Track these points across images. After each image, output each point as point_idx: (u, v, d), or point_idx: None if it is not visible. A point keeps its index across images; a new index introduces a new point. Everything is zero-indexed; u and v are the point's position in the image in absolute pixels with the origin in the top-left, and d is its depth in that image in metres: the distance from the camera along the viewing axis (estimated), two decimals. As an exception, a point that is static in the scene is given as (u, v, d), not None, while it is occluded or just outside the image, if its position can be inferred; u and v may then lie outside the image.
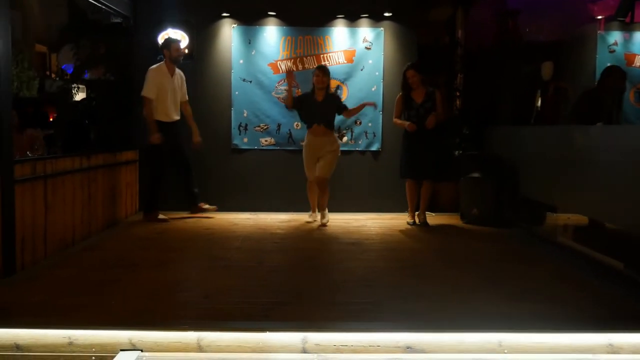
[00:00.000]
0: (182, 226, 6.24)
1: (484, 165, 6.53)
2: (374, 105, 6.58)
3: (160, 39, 6.78)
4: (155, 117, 6.16)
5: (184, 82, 6.51)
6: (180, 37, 6.74)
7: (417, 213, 6.46)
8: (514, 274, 4.44)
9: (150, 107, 6.13)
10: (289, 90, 6.26)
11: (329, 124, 6.22)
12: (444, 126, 6.38)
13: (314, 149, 6.20)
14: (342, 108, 6.33)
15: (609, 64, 6.79)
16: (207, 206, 6.66)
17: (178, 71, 6.39)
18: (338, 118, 6.79)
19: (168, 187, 6.52)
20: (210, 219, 6.61)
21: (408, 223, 6.45)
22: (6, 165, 4.11)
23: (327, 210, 6.38)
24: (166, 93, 6.20)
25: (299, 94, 6.75)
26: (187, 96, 6.54)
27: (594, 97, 5.97)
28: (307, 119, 6.26)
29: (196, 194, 6.62)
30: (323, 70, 6.13)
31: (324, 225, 6.27)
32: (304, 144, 6.35)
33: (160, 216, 6.38)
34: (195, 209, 6.65)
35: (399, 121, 6.33)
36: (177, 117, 6.40)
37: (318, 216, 6.45)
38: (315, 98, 6.16)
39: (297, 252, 5.17)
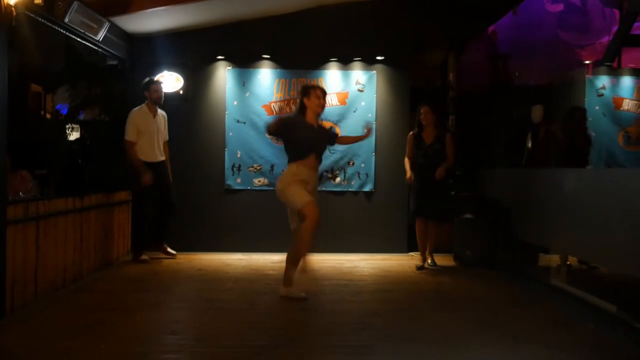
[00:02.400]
0: (174, 267, 6.20)
1: (477, 207, 6.57)
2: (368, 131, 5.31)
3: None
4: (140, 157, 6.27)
5: (166, 122, 6.60)
6: (175, 79, 6.83)
7: (413, 256, 6.50)
8: (508, 317, 4.42)
9: (133, 150, 6.22)
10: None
11: (321, 159, 5.02)
12: (451, 169, 6.42)
13: (306, 179, 4.76)
14: (333, 138, 5.19)
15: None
16: (170, 250, 6.64)
17: (161, 111, 6.49)
18: (332, 158, 6.91)
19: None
20: (202, 260, 6.57)
21: (417, 267, 6.25)
22: (-1, 207, 4.10)
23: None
24: (149, 134, 6.30)
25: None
26: (167, 136, 6.63)
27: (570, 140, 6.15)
28: (300, 149, 4.79)
29: (165, 234, 6.64)
30: (325, 92, 4.99)
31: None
32: (284, 180, 4.77)
33: (143, 257, 6.38)
34: (158, 247, 6.62)
35: (407, 165, 6.37)
36: (162, 158, 6.48)
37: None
38: (309, 123, 4.87)
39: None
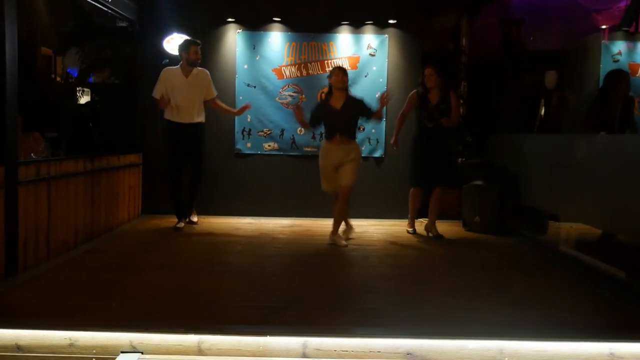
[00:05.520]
0: (184, 230, 6.23)
1: (487, 173, 6.53)
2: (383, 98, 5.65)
3: (166, 42, 6.81)
4: (166, 117, 6.16)
5: (205, 80, 6.25)
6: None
7: (422, 222, 6.38)
8: (516, 282, 4.43)
9: (161, 104, 6.11)
10: (301, 122, 5.78)
11: (351, 134, 5.63)
12: (453, 131, 6.21)
13: (333, 157, 5.57)
14: (368, 112, 5.68)
15: (613, 69, 6.71)
16: (193, 218, 6.57)
17: (199, 70, 6.21)
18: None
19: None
20: (212, 224, 6.61)
21: (408, 231, 6.37)
22: (11, 167, 4.13)
23: (350, 222, 6.03)
24: (177, 94, 6.08)
25: (303, 99, 6.83)
26: (214, 93, 6.33)
27: (607, 103, 5.89)
28: (327, 131, 5.68)
29: (191, 201, 6.50)
30: (344, 70, 5.64)
31: (347, 240, 5.78)
32: (320, 156, 5.70)
33: (178, 224, 6.29)
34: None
35: (398, 126, 6.23)
36: (195, 120, 6.19)
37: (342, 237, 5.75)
38: (332, 106, 5.60)
39: (298, 258, 5.17)
